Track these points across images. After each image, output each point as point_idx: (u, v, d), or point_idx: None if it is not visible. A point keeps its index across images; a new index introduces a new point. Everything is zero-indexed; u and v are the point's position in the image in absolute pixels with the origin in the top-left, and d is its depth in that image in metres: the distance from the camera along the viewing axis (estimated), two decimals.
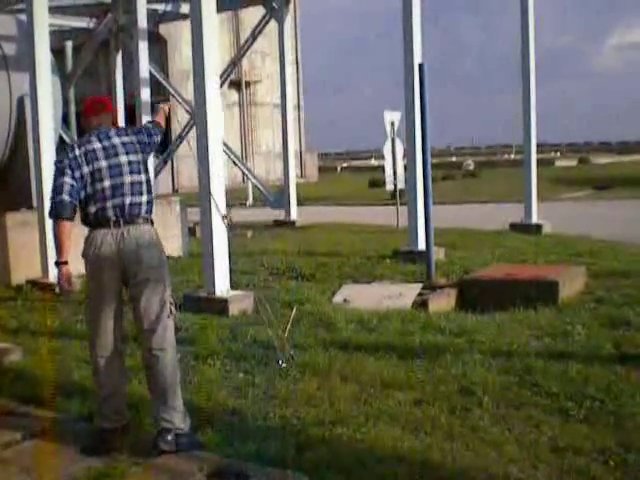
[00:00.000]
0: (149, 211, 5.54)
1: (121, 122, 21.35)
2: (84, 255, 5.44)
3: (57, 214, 5.32)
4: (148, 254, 5.41)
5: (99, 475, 4.98)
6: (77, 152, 5.41)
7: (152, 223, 5.58)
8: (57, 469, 5.24)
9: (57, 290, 10.90)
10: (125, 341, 5.76)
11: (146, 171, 5.59)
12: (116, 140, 5.50)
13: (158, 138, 5.87)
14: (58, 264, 5.39)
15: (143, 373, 5.75)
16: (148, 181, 5.57)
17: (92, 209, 5.40)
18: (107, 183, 5.37)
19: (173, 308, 5.55)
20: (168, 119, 6.29)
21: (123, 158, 5.45)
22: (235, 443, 5.48)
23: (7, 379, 7.20)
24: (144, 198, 5.48)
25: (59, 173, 5.36)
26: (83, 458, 5.34)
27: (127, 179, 5.41)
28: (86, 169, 5.36)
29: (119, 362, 5.63)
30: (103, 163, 5.39)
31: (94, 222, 5.40)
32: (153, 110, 6.29)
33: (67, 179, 5.32)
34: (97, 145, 5.44)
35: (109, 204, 5.36)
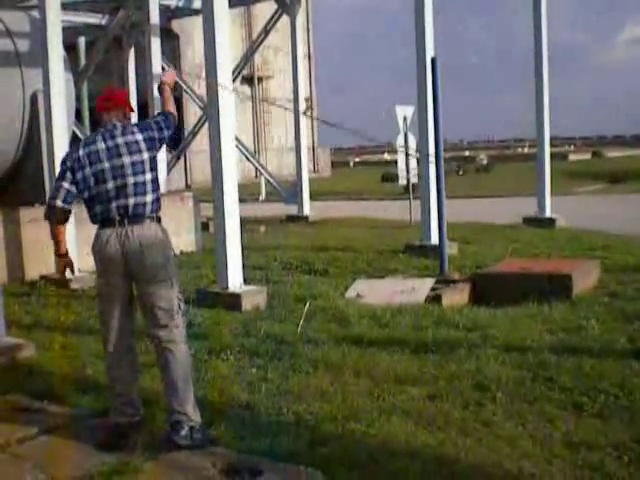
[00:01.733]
0: (155, 209, 5.51)
1: (134, 121, 21.44)
2: (93, 252, 5.50)
3: (49, 219, 5.48)
4: (152, 253, 5.40)
5: (113, 471, 4.98)
6: (81, 152, 5.43)
7: (159, 220, 5.55)
8: (71, 465, 5.25)
9: (73, 277, 11.01)
10: (135, 336, 5.74)
11: (152, 170, 5.50)
12: (120, 140, 5.43)
13: (170, 131, 5.73)
14: (58, 255, 5.64)
15: (157, 369, 5.76)
16: (154, 180, 5.50)
17: (97, 209, 5.43)
18: (110, 185, 5.36)
19: (182, 304, 5.56)
20: (179, 103, 6.13)
21: (126, 159, 5.39)
22: (248, 438, 5.48)
23: (21, 375, 7.23)
24: (148, 198, 5.43)
25: (60, 175, 5.46)
26: (97, 453, 5.34)
27: (130, 180, 5.37)
28: (89, 170, 5.37)
29: (131, 357, 5.66)
30: (106, 164, 5.37)
31: (100, 221, 5.44)
32: (160, 91, 5.97)
33: (65, 183, 5.38)
34: (101, 145, 5.42)
35: (113, 205, 5.37)
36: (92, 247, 5.49)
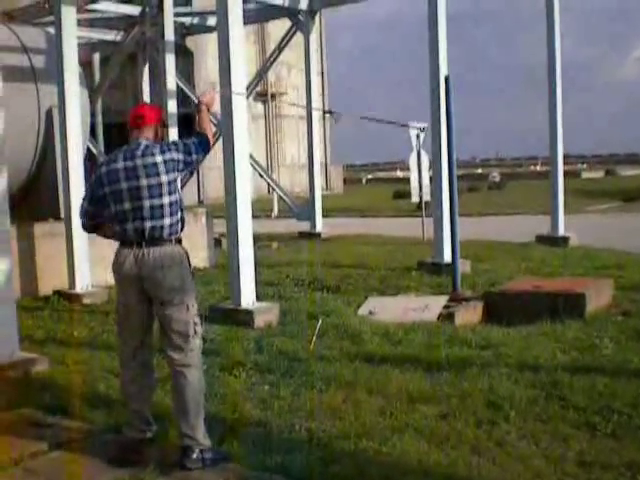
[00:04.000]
0: (175, 232, 5.45)
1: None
2: (112, 270, 5.52)
3: (85, 230, 5.83)
4: (168, 275, 5.35)
5: None
6: (103, 170, 5.47)
7: (179, 242, 5.52)
8: None
9: (86, 292, 11.05)
10: (152, 354, 5.76)
11: (170, 193, 5.39)
12: (139, 161, 5.36)
13: (200, 156, 5.60)
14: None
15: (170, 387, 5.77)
16: (173, 203, 5.41)
17: (117, 228, 5.45)
18: (127, 205, 5.35)
19: (198, 328, 5.51)
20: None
21: (143, 182, 5.33)
22: (260, 455, 5.48)
23: (34, 389, 7.25)
24: (166, 221, 5.36)
25: (85, 193, 5.70)
26: (110, 469, 5.35)
27: (146, 203, 5.32)
28: (107, 189, 5.40)
29: (147, 374, 5.67)
30: (124, 185, 5.35)
31: (120, 240, 5.46)
32: (197, 111, 5.80)
33: (85, 202, 5.58)
34: (120, 165, 5.39)
35: (130, 226, 5.36)
36: (112, 265, 5.50)
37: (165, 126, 5.93)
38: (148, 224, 5.32)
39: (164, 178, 5.35)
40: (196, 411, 5.42)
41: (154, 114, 5.72)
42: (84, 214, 5.58)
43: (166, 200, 5.36)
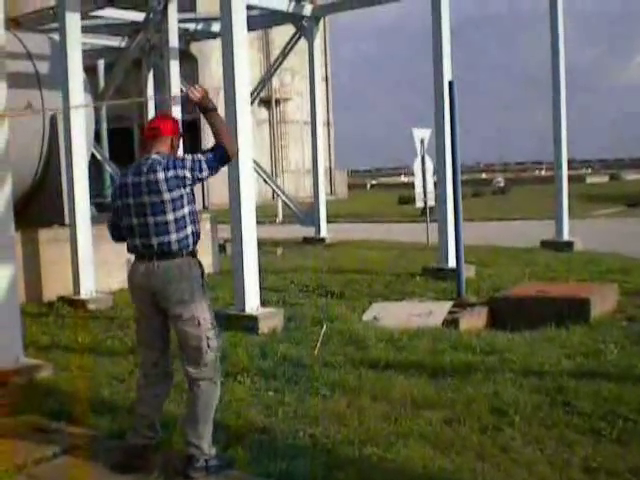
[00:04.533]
0: (185, 246, 5.37)
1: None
2: (127, 280, 5.57)
3: (114, 240, 5.76)
4: (178, 289, 5.30)
5: None
6: (118, 182, 5.54)
7: (193, 255, 5.45)
8: None
9: (90, 298, 11.07)
10: (170, 363, 5.70)
11: (175, 209, 5.30)
12: (143, 178, 5.30)
13: (213, 171, 5.40)
14: None
15: (178, 392, 5.79)
16: (179, 219, 5.32)
17: (129, 241, 5.48)
18: (135, 220, 5.37)
19: (212, 342, 5.41)
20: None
21: (146, 198, 5.29)
22: (265, 462, 5.47)
23: (38, 395, 7.24)
24: (173, 237, 5.29)
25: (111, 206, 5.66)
26: (113, 475, 5.35)
27: (150, 220, 5.29)
28: (119, 202, 5.45)
29: (165, 382, 5.65)
30: (131, 200, 5.37)
31: (133, 253, 5.49)
32: (206, 119, 5.48)
33: (111, 214, 5.62)
34: (129, 180, 5.39)
35: (137, 241, 5.38)
36: (127, 277, 5.56)
37: (182, 136, 5.77)
38: (154, 240, 5.30)
39: (166, 196, 5.26)
40: (204, 422, 5.40)
41: (169, 126, 5.60)
42: (109, 225, 5.66)
43: (170, 217, 5.29)
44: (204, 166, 5.36)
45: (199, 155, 5.40)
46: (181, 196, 5.32)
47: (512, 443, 5.75)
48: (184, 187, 5.33)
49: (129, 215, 5.37)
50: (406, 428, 6.08)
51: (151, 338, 5.52)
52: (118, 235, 5.61)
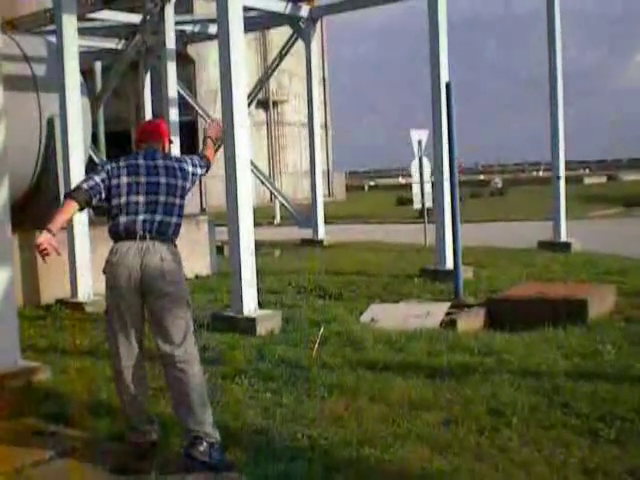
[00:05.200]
0: (176, 233, 5.69)
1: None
2: (107, 265, 5.56)
3: (68, 193, 5.68)
4: (172, 270, 5.52)
5: None
6: (121, 164, 5.68)
7: (175, 246, 5.71)
8: None
9: (88, 301, 11.09)
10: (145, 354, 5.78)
11: (182, 196, 5.75)
12: (160, 162, 5.73)
13: (202, 170, 6.06)
14: (46, 230, 5.59)
15: (168, 392, 5.78)
16: (181, 206, 5.74)
17: (123, 219, 5.53)
18: (142, 198, 5.56)
19: (192, 326, 5.66)
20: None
21: (162, 179, 5.65)
22: (263, 463, 5.47)
23: (36, 398, 7.24)
24: (174, 219, 5.64)
25: (94, 172, 5.69)
26: (112, 477, 5.35)
27: (162, 199, 5.60)
28: (125, 179, 5.57)
29: (140, 371, 5.68)
30: (143, 179, 5.61)
31: (123, 233, 5.52)
32: (204, 142, 6.33)
33: (96, 177, 5.58)
34: (141, 162, 5.69)
35: (140, 218, 5.52)
36: (107, 261, 5.55)
37: (171, 142, 6.15)
38: (159, 218, 5.55)
39: (180, 182, 5.73)
40: (202, 407, 5.48)
41: (162, 129, 6.02)
42: (90, 183, 5.55)
43: (178, 201, 5.69)
44: (198, 163, 6.02)
45: (191, 155, 6.10)
46: (183, 187, 5.78)
47: (510, 444, 5.75)
48: (186, 180, 5.82)
49: (136, 193, 5.55)
50: (404, 429, 6.08)
51: (131, 323, 5.54)
52: (84, 200, 5.53)
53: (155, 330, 5.56)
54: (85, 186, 5.55)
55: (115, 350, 5.62)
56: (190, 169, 5.89)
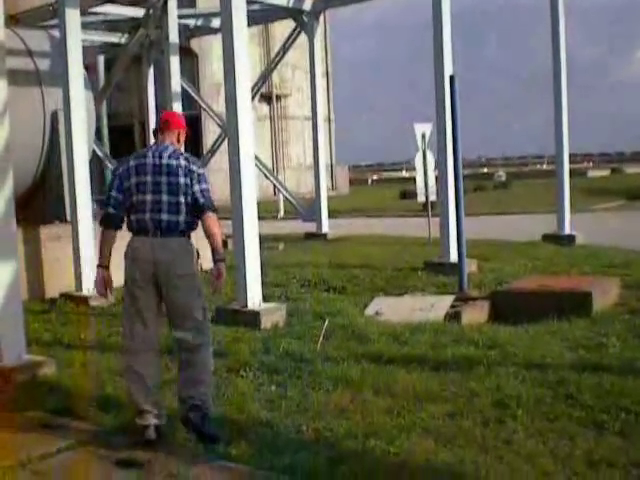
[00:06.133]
0: (188, 228, 5.87)
1: (153, 139, 21.57)
2: (125, 259, 5.86)
3: (103, 224, 5.92)
4: (183, 262, 5.79)
5: None
6: (131, 164, 5.89)
7: (189, 237, 5.92)
8: None
9: (92, 294, 11.15)
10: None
11: (185, 194, 5.79)
12: (165, 161, 5.84)
13: (200, 187, 5.85)
14: (99, 267, 5.96)
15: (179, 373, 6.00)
16: (188, 204, 5.79)
17: (133, 217, 5.84)
18: (149, 197, 5.78)
19: (207, 311, 6.03)
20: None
21: (164, 178, 5.79)
22: (268, 456, 5.49)
23: (41, 392, 7.25)
24: (181, 217, 5.78)
25: (111, 184, 5.95)
26: (117, 470, 5.36)
27: (164, 198, 5.77)
28: (134, 180, 5.81)
29: (152, 355, 5.91)
30: (149, 178, 5.80)
31: (136, 229, 5.83)
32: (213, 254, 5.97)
33: (114, 192, 5.86)
34: (149, 160, 5.86)
35: (147, 216, 5.76)
36: (125, 254, 5.85)
37: (187, 134, 6.28)
38: (165, 217, 5.75)
39: (182, 180, 5.80)
40: (206, 384, 5.87)
41: (179, 120, 6.22)
42: (112, 202, 5.85)
43: (182, 199, 5.78)
44: (203, 180, 5.90)
45: (205, 185, 5.93)
46: (186, 184, 5.84)
47: (515, 436, 5.76)
48: (191, 179, 5.84)
49: (143, 192, 5.77)
50: (409, 422, 6.09)
51: (146, 308, 5.80)
52: (114, 215, 5.83)
53: (170, 317, 5.88)
54: (111, 210, 5.85)
55: (129, 332, 5.89)
56: (195, 176, 5.83)
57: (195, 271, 5.89)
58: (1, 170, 7.96)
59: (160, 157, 5.86)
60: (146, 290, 5.77)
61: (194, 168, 5.85)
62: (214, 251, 5.84)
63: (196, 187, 5.82)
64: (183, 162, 5.85)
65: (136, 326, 5.83)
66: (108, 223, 5.87)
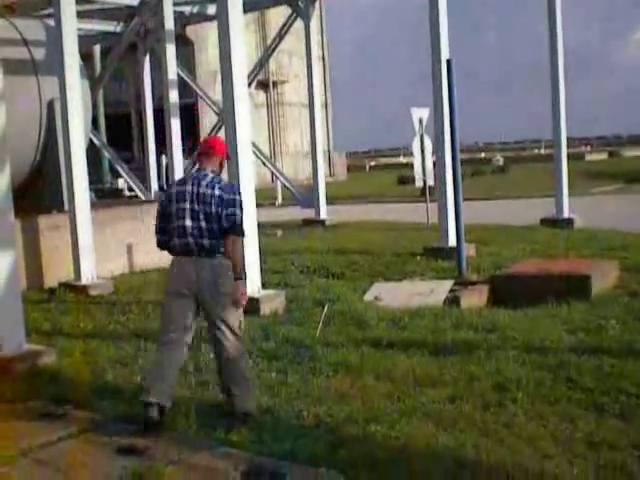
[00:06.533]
0: (216, 250, 6.09)
1: (150, 127, 21.56)
2: (169, 273, 6.27)
3: (160, 246, 6.40)
4: (223, 282, 6.06)
5: (135, 474, 4.99)
6: (173, 190, 6.32)
7: (222, 255, 6.14)
8: (93, 469, 5.27)
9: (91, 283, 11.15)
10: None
11: (219, 220, 6.05)
12: (202, 190, 6.12)
13: (223, 220, 6.08)
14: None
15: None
16: (211, 229, 6.06)
17: (176, 241, 6.15)
18: (188, 222, 6.10)
19: (242, 324, 6.45)
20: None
21: (201, 206, 6.09)
22: (269, 441, 5.50)
23: (42, 381, 7.27)
24: (205, 241, 6.06)
25: (157, 211, 6.40)
26: (118, 458, 5.36)
27: (203, 224, 6.08)
28: (174, 207, 6.17)
29: (181, 356, 6.16)
30: (187, 205, 6.13)
31: (178, 251, 6.17)
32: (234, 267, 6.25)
33: (158, 220, 6.34)
34: (189, 188, 6.17)
35: (190, 240, 6.09)
36: (168, 271, 6.28)
37: (228, 158, 6.71)
38: (199, 240, 6.08)
39: (214, 209, 6.08)
40: (244, 379, 6.14)
41: (222, 148, 6.51)
42: (158, 230, 6.34)
43: (216, 226, 6.07)
44: (235, 205, 6.15)
45: (239, 210, 6.19)
46: (217, 213, 6.10)
47: (515, 419, 5.78)
48: (222, 208, 6.09)
49: (182, 218, 6.12)
50: (409, 406, 6.10)
51: (181, 316, 6.09)
52: (165, 240, 6.27)
53: (210, 330, 6.20)
54: (159, 237, 6.32)
55: (165, 325, 6.17)
56: (225, 204, 6.07)
57: (229, 285, 6.07)
58: None
59: (199, 185, 6.14)
60: (184, 302, 6.08)
61: (225, 197, 6.08)
62: (233, 270, 6.11)
63: (223, 213, 6.08)
64: (217, 192, 6.09)
65: (171, 329, 6.12)
66: (162, 248, 6.35)
